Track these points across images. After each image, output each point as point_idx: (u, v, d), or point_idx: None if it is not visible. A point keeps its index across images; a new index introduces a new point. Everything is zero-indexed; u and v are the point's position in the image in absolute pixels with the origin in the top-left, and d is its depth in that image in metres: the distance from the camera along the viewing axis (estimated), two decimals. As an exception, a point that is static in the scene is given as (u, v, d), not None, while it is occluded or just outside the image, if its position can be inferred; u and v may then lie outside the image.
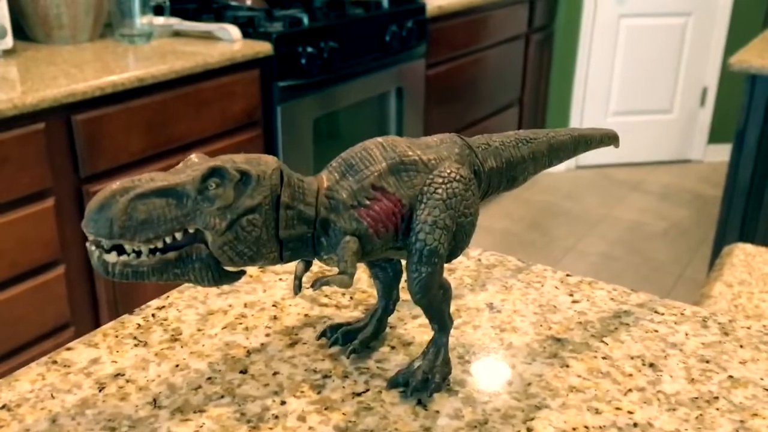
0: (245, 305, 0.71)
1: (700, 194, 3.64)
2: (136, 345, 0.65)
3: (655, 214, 3.43)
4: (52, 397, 0.58)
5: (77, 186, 1.66)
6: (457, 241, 0.58)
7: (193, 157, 0.51)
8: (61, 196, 1.63)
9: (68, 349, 0.64)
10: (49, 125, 1.58)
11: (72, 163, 1.64)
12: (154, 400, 0.58)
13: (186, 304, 0.71)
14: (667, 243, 3.17)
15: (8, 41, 1.79)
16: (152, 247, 0.48)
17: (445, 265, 0.79)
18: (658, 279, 2.89)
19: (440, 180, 0.57)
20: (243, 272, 0.54)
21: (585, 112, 3.86)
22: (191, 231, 0.50)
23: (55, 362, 0.62)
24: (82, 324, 1.74)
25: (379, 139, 0.58)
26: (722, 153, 3.87)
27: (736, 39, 3.71)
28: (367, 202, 0.55)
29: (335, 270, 0.56)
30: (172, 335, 0.66)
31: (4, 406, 0.57)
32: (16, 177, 1.52)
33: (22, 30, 1.98)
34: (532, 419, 0.57)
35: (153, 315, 0.70)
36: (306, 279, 0.73)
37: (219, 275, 0.52)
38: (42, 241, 1.60)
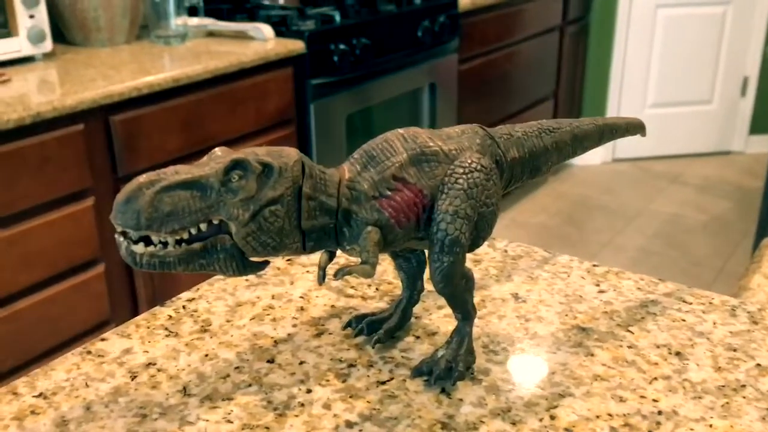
0: (273, 297, 0.73)
1: (741, 186, 3.57)
2: (167, 335, 0.67)
3: (695, 207, 3.38)
4: (87, 385, 0.60)
5: (116, 185, 1.69)
6: (479, 230, 0.59)
7: (217, 150, 0.53)
8: (100, 196, 1.67)
9: (102, 339, 0.66)
10: (88, 126, 1.61)
11: (110, 162, 1.68)
12: (184, 388, 0.59)
13: (215, 296, 0.73)
14: (708, 236, 3.12)
15: (48, 45, 1.83)
16: (178, 238, 0.50)
17: (471, 256, 0.80)
18: (698, 273, 2.84)
19: (461, 170, 0.57)
20: (267, 262, 0.55)
21: (622, 105, 3.82)
22: (216, 222, 0.51)
23: (89, 352, 0.64)
24: (121, 321, 1.77)
25: (400, 130, 0.59)
26: (765, 144, 3.79)
27: (778, 27, 3.63)
28: (389, 193, 0.56)
29: (359, 260, 0.57)
30: (202, 326, 0.68)
31: (41, 395, 0.59)
32: (57, 177, 1.56)
33: (61, 33, 2.03)
34: (556, 407, 0.57)
35: (183, 307, 0.71)
36: (330, 269, 0.74)
37: (243, 265, 0.53)
38: (82, 240, 1.64)
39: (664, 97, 3.82)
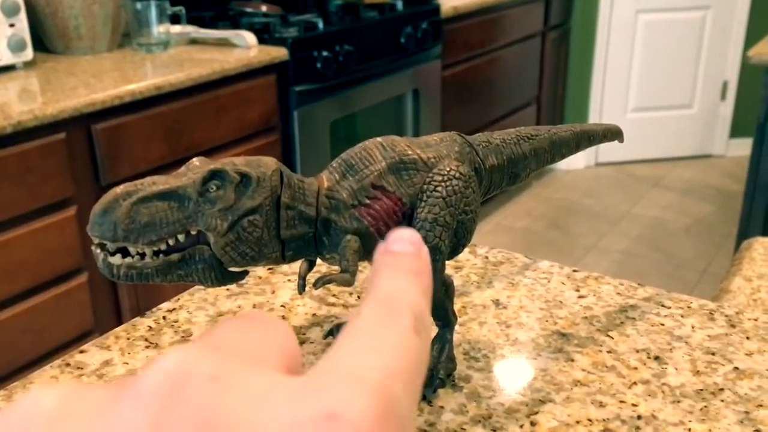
0: (254, 306, 0.73)
1: (723, 189, 3.61)
2: (147, 347, 0.66)
3: (678, 211, 3.40)
4: (66, 397, 0.60)
5: (98, 194, 1.68)
6: (459, 238, 0.59)
7: (195, 160, 0.52)
8: (83, 205, 1.66)
9: (81, 351, 0.66)
10: (70, 135, 1.61)
11: (93, 171, 1.67)
12: (165, 399, 0.59)
13: (196, 306, 0.73)
14: (691, 239, 3.15)
15: (28, 53, 1.82)
16: (156, 249, 0.50)
17: (452, 263, 0.80)
18: (681, 276, 2.86)
19: (440, 178, 0.57)
20: (246, 272, 0.55)
21: (604, 109, 3.85)
22: (194, 233, 0.51)
23: (68, 365, 0.64)
24: (105, 331, 1.76)
25: (379, 139, 0.59)
26: (745, 147, 3.82)
27: (756, 31, 3.67)
28: (368, 201, 0.56)
29: (339, 269, 0.57)
30: (183, 336, 0.68)
31: (19, 407, 0.58)
32: (39, 187, 1.55)
33: (41, 42, 2.02)
34: (536, 413, 0.57)
35: (164, 317, 0.71)
36: (311, 278, 0.74)
37: (222, 275, 0.53)
38: (65, 250, 1.63)
39: (646, 102, 3.85)
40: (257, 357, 0.21)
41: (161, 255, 0.50)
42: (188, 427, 0.17)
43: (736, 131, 3.94)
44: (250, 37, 2.06)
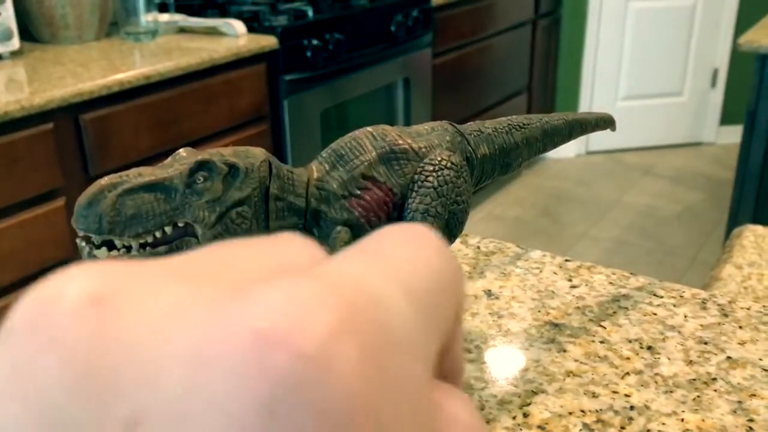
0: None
1: (713, 177, 3.61)
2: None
3: (668, 198, 3.41)
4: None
5: (87, 185, 1.66)
6: (450, 228, 0.58)
7: (182, 151, 0.52)
8: (72, 196, 1.64)
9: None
10: (58, 125, 1.59)
11: (81, 162, 1.66)
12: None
13: (186, 298, 0.72)
14: (681, 227, 3.15)
15: (15, 42, 1.80)
16: (142, 241, 0.49)
17: (444, 254, 0.80)
18: (671, 263, 2.87)
19: (431, 168, 0.57)
20: (235, 265, 0.54)
21: (594, 97, 3.84)
22: (181, 225, 0.50)
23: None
24: (95, 321, 1.75)
25: (369, 128, 0.58)
26: (735, 134, 3.82)
27: (747, 18, 3.67)
28: (358, 192, 0.55)
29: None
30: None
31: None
32: (26, 178, 1.54)
33: (27, 31, 2.00)
34: (529, 404, 0.57)
35: (153, 309, 0.70)
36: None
37: (211, 268, 0.52)
38: (53, 241, 1.62)
39: (636, 90, 3.85)
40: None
41: (148, 248, 0.49)
42: (52, 375, 0.12)
43: (726, 119, 3.95)
44: (239, 26, 2.04)
